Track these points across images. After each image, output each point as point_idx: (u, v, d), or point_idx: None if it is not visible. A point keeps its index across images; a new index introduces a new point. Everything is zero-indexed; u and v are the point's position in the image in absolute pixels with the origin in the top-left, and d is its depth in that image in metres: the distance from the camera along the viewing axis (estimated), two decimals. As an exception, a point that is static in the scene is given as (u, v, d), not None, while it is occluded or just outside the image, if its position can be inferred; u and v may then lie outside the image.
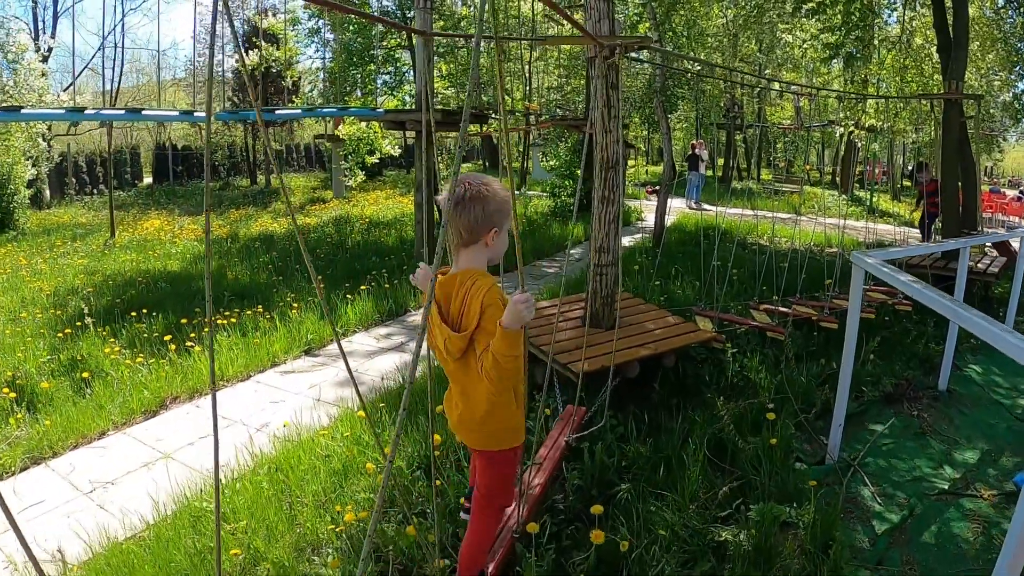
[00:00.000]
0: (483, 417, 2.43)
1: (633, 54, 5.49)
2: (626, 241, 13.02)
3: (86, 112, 7.92)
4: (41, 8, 27.60)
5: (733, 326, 6.25)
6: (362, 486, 3.92)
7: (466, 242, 2.35)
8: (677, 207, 18.48)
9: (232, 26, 1.55)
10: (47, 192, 24.01)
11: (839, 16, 10.39)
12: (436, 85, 17.46)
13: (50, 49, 22.61)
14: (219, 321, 7.21)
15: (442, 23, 16.73)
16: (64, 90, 20.52)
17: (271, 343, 6.72)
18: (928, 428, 5.02)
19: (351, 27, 16.79)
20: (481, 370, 2.24)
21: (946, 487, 4.14)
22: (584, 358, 4.31)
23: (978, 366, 6.37)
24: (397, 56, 16.43)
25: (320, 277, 9.14)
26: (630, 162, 34.69)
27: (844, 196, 23.50)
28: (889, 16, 16.25)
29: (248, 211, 20.23)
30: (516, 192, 13.73)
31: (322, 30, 15.52)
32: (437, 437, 3.95)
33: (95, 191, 26.38)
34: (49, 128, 19.80)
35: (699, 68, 13.14)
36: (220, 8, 1.54)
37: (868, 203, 20.67)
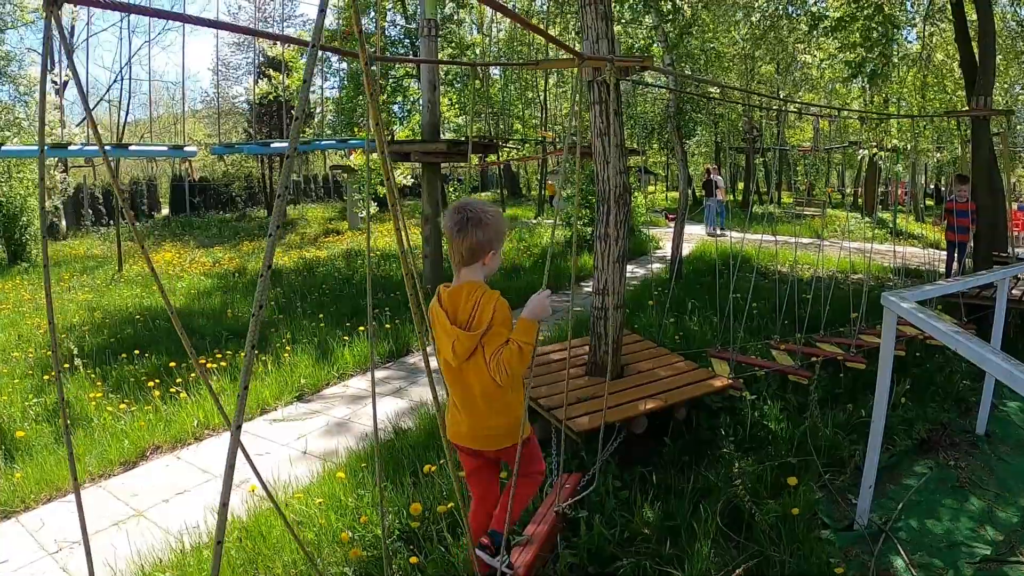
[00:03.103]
0: (505, 416, 2.70)
1: (636, 77, 5.15)
2: (641, 272, 12.61)
3: (70, 148, 7.68)
4: (55, 41, 27.78)
5: (752, 369, 5.79)
6: (336, 558, 3.54)
7: (467, 261, 2.60)
8: (697, 234, 18.07)
9: (66, 40, 1.21)
10: (63, 223, 24.05)
11: (856, 34, 10.02)
12: (446, 114, 17.19)
13: (65, 82, 22.71)
14: (209, 365, 6.87)
15: (449, 51, 16.54)
16: (79, 124, 20.58)
17: (261, 389, 6.36)
18: (966, 481, 4.54)
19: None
20: (495, 366, 2.50)
21: (988, 553, 3.68)
22: (584, 413, 3.90)
23: (1015, 403, 5.88)
24: (406, 85, 16.20)
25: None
26: (649, 188, 34.30)
27: (868, 219, 22.96)
28: (908, 33, 15.83)
29: (261, 243, 20.05)
30: (534, 220, 13.45)
31: (330, 59, 15.33)
32: (417, 506, 3.56)
33: (111, 222, 26.43)
34: (61, 161, 19.82)
35: (714, 90, 12.76)
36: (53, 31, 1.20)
37: (893, 225, 20.14)
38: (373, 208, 17.55)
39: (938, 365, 6.51)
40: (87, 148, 7.64)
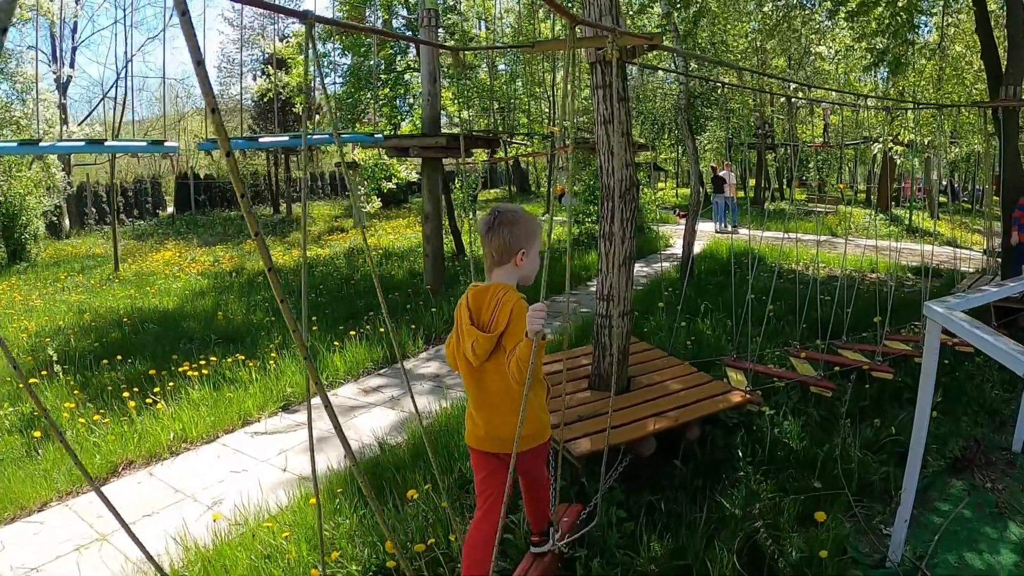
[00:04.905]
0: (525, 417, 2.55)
1: (643, 60, 4.71)
2: (651, 271, 12.18)
3: (41, 144, 7.30)
4: (58, 39, 27.52)
5: (771, 380, 5.34)
6: (304, 601, 3.15)
7: (498, 262, 2.65)
8: (706, 231, 17.62)
9: None
10: (66, 222, 23.83)
11: (873, 23, 9.59)
12: (449, 108, 16.77)
13: (68, 79, 22.48)
14: (190, 373, 6.47)
15: (451, 42, 16.11)
16: (80, 122, 20.33)
17: (244, 398, 5.96)
18: (1005, 506, 4.11)
19: (361, 47, 16.27)
20: (508, 369, 2.50)
21: (1035, 591, 3.28)
22: (584, 435, 3.48)
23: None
24: (407, 79, 15.79)
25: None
26: (659, 184, 33.81)
27: (882, 215, 22.46)
28: (927, 24, 15.33)
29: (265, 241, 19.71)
30: (542, 217, 12.98)
31: (330, 54, 14.90)
32: (388, 546, 3.16)
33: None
34: (60, 157, 19.59)
35: (726, 78, 12.31)
36: None
37: (908, 222, 19.65)
38: (377, 204, 17.04)
39: (968, 374, 6.06)
40: (60, 144, 7.29)
